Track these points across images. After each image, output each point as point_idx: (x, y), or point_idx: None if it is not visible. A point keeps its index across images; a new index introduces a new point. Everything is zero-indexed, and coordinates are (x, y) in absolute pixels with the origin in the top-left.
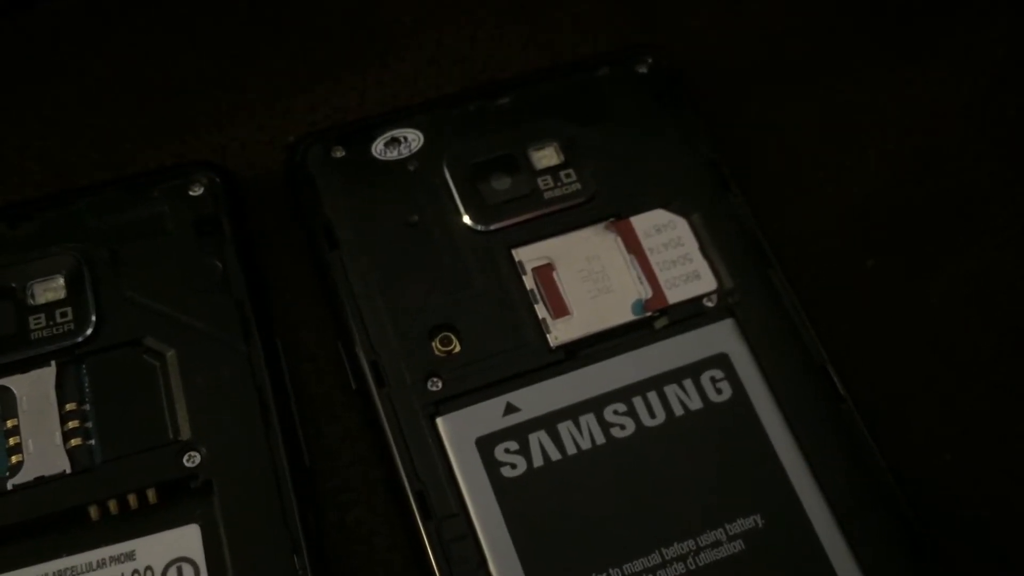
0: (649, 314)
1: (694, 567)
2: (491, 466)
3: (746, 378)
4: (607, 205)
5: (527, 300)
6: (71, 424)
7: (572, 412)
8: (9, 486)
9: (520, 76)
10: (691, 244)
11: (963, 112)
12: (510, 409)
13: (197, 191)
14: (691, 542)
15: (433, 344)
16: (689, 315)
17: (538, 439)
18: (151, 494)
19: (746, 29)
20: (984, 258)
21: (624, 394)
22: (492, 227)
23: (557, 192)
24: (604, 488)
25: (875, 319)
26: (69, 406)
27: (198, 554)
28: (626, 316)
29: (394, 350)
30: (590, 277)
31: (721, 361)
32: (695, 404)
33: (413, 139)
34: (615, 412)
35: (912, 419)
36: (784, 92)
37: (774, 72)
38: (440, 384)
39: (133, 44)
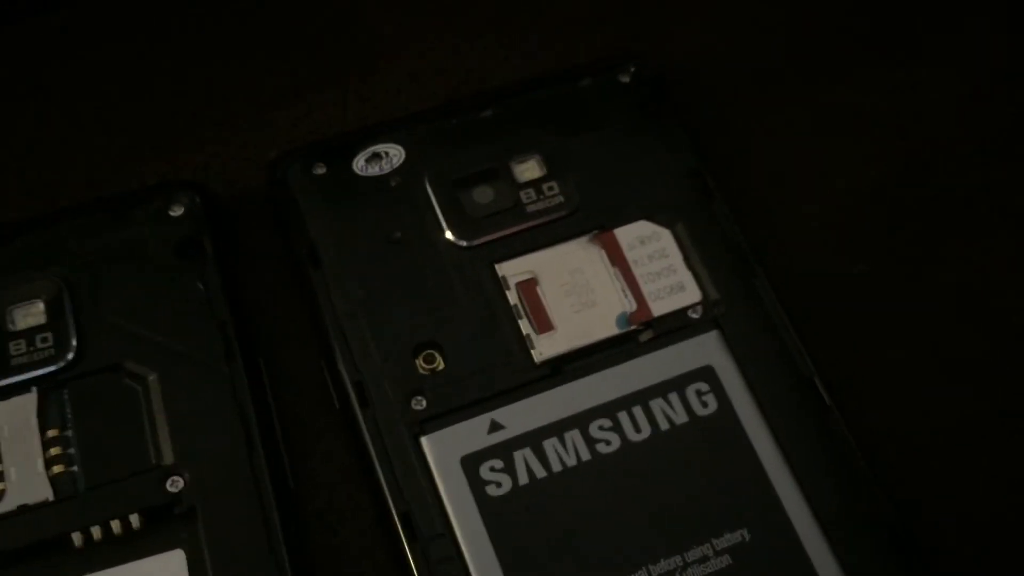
0: (634, 327)
1: None
2: (476, 485)
3: (732, 391)
4: (590, 218)
5: (511, 316)
6: (53, 451)
7: (557, 428)
8: None
9: (502, 88)
10: (676, 256)
11: (953, 114)
12: (495, 427)
13: (178, 211)
14: (678, 558)
15: (417, 362)
16: (674, 327)
17: (523, 456)
18: (135, 520)
19: (731, 35)
20: (975, 262)
21: (609, 409)
22: (475, 242)
23: (540, 205)
24: (590, 505)
25: (863, 328)
26: (51, 432)
27: None
28: (611, 330)
29: (377, 369)
30: (574, 291)
31: (707, 374)
32: (681, 418)
33: (395, 154)
34: (600, 428)
35: (900, 430)
36: (770, 97)
37: (760, 78)
38: (424, 403)
39: (111, 62)
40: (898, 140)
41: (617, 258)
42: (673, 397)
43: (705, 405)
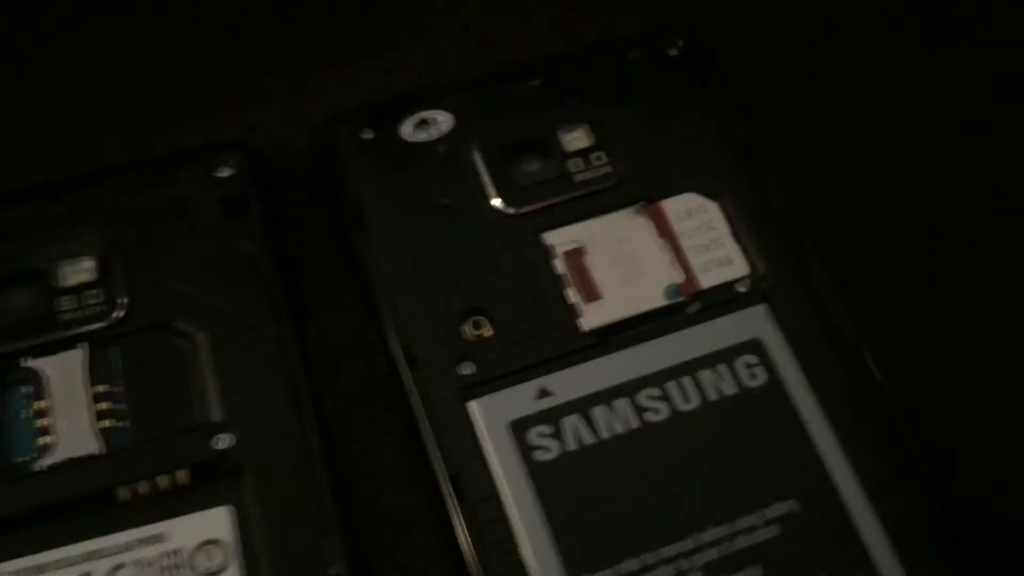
0: (681, 299)
1: (729, 551)
2: (524, 450)
3: (780, 363)
4: (638, 188)
5: (558, 284)
6: (102, 405)
7: (606, 396)
8: (39, 467)
9: (551, 57)
10: (723, 228)
11: (996, 94)
12: (543, 393)
13: (225, 172)
14: (726, 527)
15: (465, 328)
16: (722, 300)
17: (572, 423)
18: (182, 476)
19: (778, 11)
20: (1019, 241)
21: (658, 379)
22: (522, 210)
23: (587, 175)
24: (638, 472)
25: (910, 303)
26: (100, 388)
27: (229, 536)
28: (658, 301)
29: (425, 334)
30: (621, 261)
31: (755, 346)
32: (729, 389)
33: (443, 121)
34: (649, 396)
35: (948, 403)
36: (817, 73)
37: (806, 53)
38: (473, 368)
39: (160, 24)
40: (943, 120)
41: (664, 230)
42: (722, 368)
43: (754, 377)
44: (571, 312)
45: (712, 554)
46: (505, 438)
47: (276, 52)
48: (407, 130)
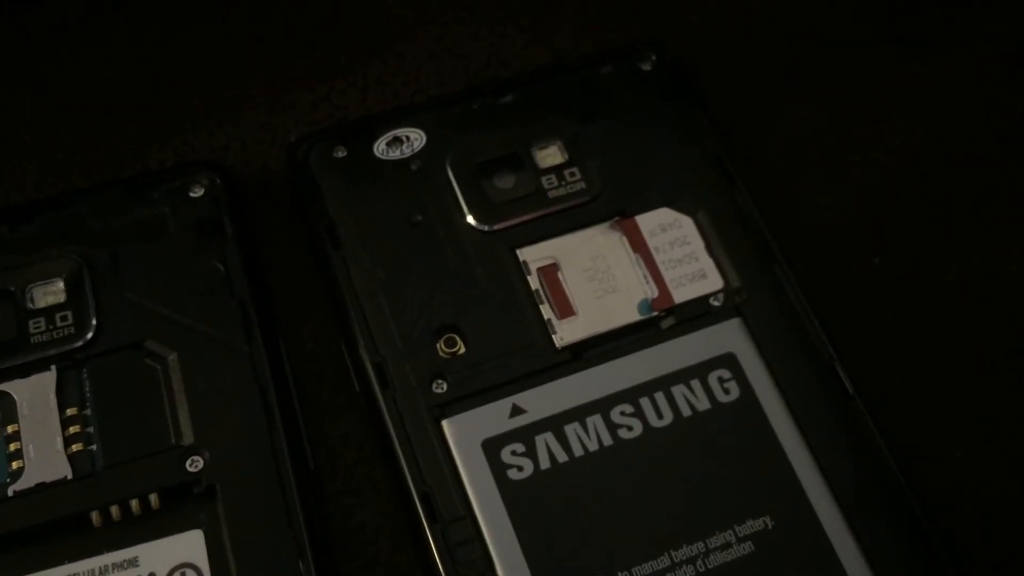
0: (655, 314)
1: (704, 569)
2: (497, 468)
3: (754, 378)
4: (612, 204)
5: (532, 300)
6: (72, 429)
7: (579, 413)
8: (10, 492)
9: (523, 74)
10: (697, 243)
11: (970, 107)
12: (516, 411)
13: (198, 192)
14: (700, 544)
15: (438, 345)
16: (696, 315)
17: (545, 441)
18: (154, 499)
19: (751, 24)
20: (992, 253)
21: (631, 395)
22: (496, 227)
23: (561, 191)
24: (612, 490)
25: (883, 317)
26: (70, 411)
27: (202, 560)
28: (632, 316)
29: (398, 351)
30: (595, 277)
31: (728, 361)
32: (703, 405)
33: (415, 138)
34: (622, 413)
35: (922, 418)
36: (790, 88)
37: (780, 68)
38: (445, 386)
39: (132, 42)
40: (916, 132)
41: (638, 245)
42: (695, 384)
43: (727, 392)
44: (545, 328)
45: (687, 572)
46: (478, 457)
47: (249, 71)
48: (380, 148)
